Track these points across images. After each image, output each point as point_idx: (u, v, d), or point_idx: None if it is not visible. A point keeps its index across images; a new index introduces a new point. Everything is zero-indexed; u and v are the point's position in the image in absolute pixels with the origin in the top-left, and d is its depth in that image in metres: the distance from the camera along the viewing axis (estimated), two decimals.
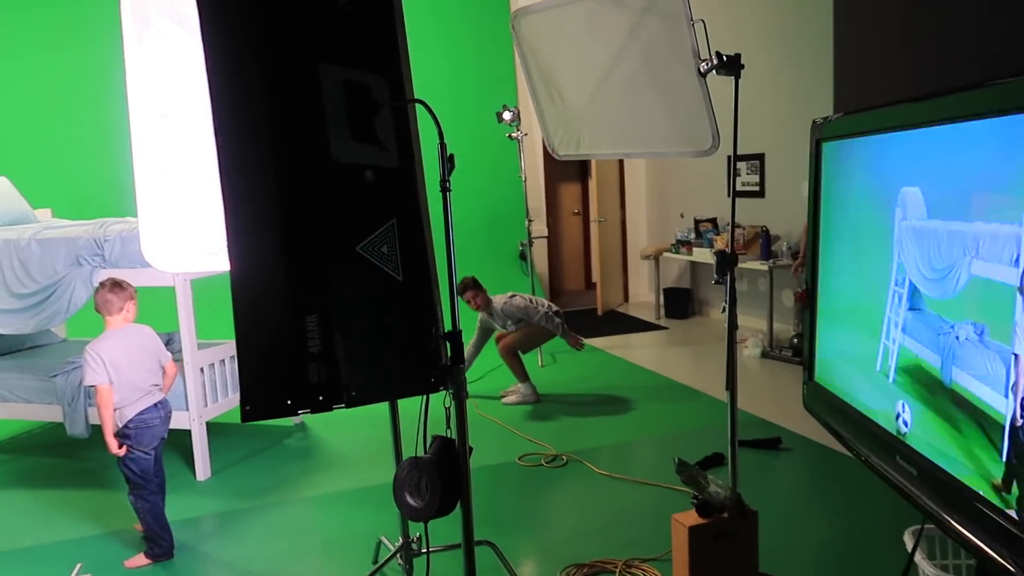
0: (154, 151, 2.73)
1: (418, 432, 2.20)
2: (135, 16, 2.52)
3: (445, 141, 2.07)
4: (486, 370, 5.94)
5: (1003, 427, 1.41)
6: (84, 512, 3.83)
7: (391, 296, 2.06)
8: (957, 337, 1.53)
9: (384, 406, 2.73)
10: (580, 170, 9.69)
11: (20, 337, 4.93)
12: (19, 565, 3.35)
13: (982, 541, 1.45)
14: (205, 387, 4.22)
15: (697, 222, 7.67)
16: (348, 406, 1.98)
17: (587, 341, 7.14)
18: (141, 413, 3.18)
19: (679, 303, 8.09)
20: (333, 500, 3.90)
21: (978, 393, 1.48)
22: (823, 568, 3.06)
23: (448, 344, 2.09)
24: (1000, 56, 2.86)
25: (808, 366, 2.34)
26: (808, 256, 2.22)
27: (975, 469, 1.51)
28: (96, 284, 4.18)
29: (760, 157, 7.03)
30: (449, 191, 2.06)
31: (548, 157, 3.57)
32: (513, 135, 6.61)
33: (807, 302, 2.31)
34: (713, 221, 7.56)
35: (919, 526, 2.21)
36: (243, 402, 1.95)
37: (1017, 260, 1.34)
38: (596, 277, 8.62)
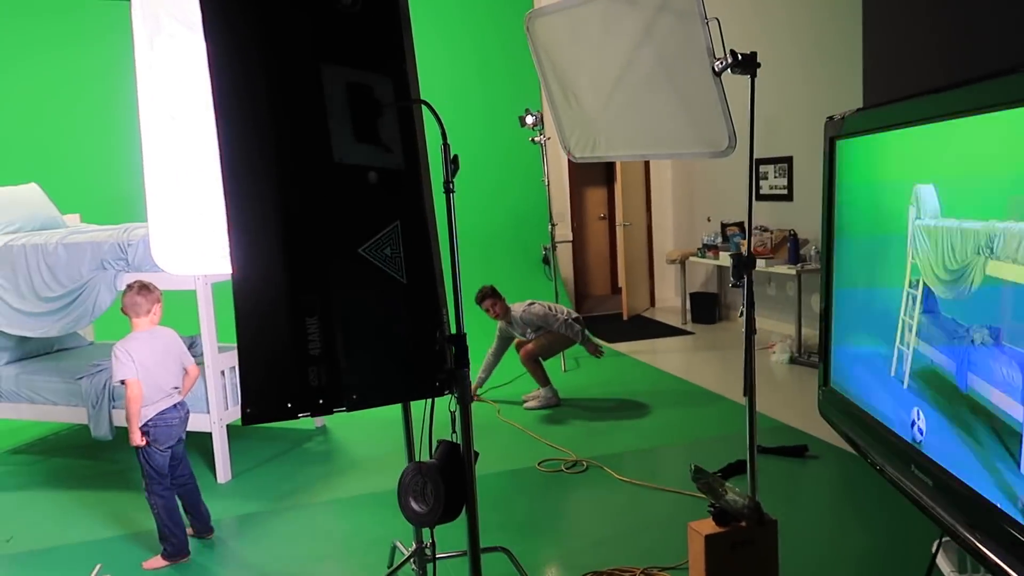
0: (164, 154, 2.75)
1: (421, 437, 2.18)
2: (145, 19, 2.55)
3: (449, 142, 2.04)
4: (511, 376, 5.91)
5: (1020, 436, 1.34)
6: (106, 513, 3.87)
7: (394, 299, 2.04)
8: (972, 341, 1.46)
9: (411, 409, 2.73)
10: (605, 174, 9.63)
11: (48, 340, 5.02)
12: (42, 565, 3.40)
13: (999, 557, 1.38)
14: (226, 390, 4.25)
15: (724, 226, 7.57)
16: (349, 409, 1.97)
17: (612, 346, 7.09)
18: (161, 413, 3.25)
19: (705, 307, 7.99)
20: (351, 503, 3.90)
21: (994, 400, 1.41)
22: None
23: (453, 348, 2.06)
24: None
25: (823, 371, 2.27)
26: (823, 258, 2.15)
27: (992, 480, 1.44)
28: (119, 288, 4.27)
29: (788, 160, 6.91)
30: (453, 192, 2.04)
31: (578, 162, 3.54)
32: (536, 139, 6.59)
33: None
34: (740, 225, 7.45)
35: (944, 538, 2.13)
36: (244, 404, 1.95)
37: None
38: (622, 281, 8.55)
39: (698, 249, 7.85)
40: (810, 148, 6.62)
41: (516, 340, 5.57)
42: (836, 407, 2.22)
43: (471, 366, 2.15)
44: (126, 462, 4.47)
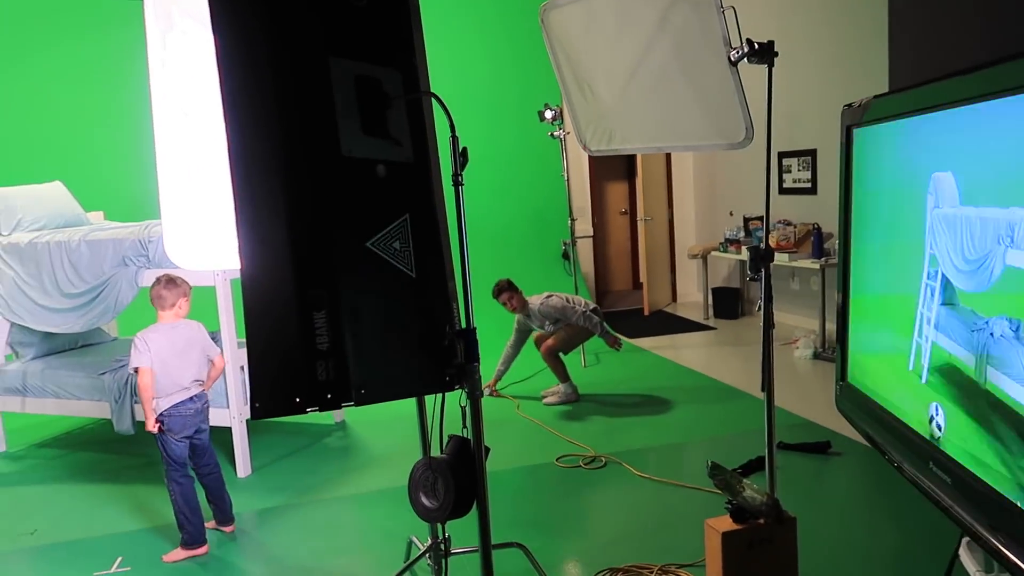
0: (177, 150, 2.77)
1: (431, 432, 2.16)
2: (158, 17, 2.56)
3: (459, 135, 2.02)
4: (530, 372, 5.89)
5: None
6: (129, 507, 3.92)
7: (403, 293, 2.02)
8: (991, 334, 1.41)
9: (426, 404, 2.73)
10: (626, 168, 9.56)
11: (72, 336, 5.09)
12: (65, 557, 3.44)
13: (1020, 558, 1.33)
14: (245, 385, 4.27)
15: (746, 220, 7.48)
16: (357, 404, 1.96)
17: (633, 342, 7.04)
18: (176, 404, 3.29)
19: (728, 303, 7.90)
20: (369, 498, 3.91)
21: (1014, 395, 1.36)
22: None
23: (463, 342, 2.05)
24: None
25: (840, 365, 2.22)
26: (840, 250, 2.10)
27: (1013, 479, 1.39)
28: (141, 284, 4.31)
29: (812, 153, 6.80)
30: (462, 185, 2.02)
31: (594, 156, 3.51)
32: (555, 134, 6.55)
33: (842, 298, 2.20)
34: (763, 219, 7.34)
35: (965, 538, 2.08)
36: (252, 399, 1.95)
37: None
38: (643, 277, 8.49)
39: (720, 243, 7.77)
40: (834, 141, 6.50)
41: (535, 335, 5.55)
42: (854, 403, 2.17)
43: (482, 361, 2.14)
44: (149, 456, 4.52)
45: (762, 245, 2.70)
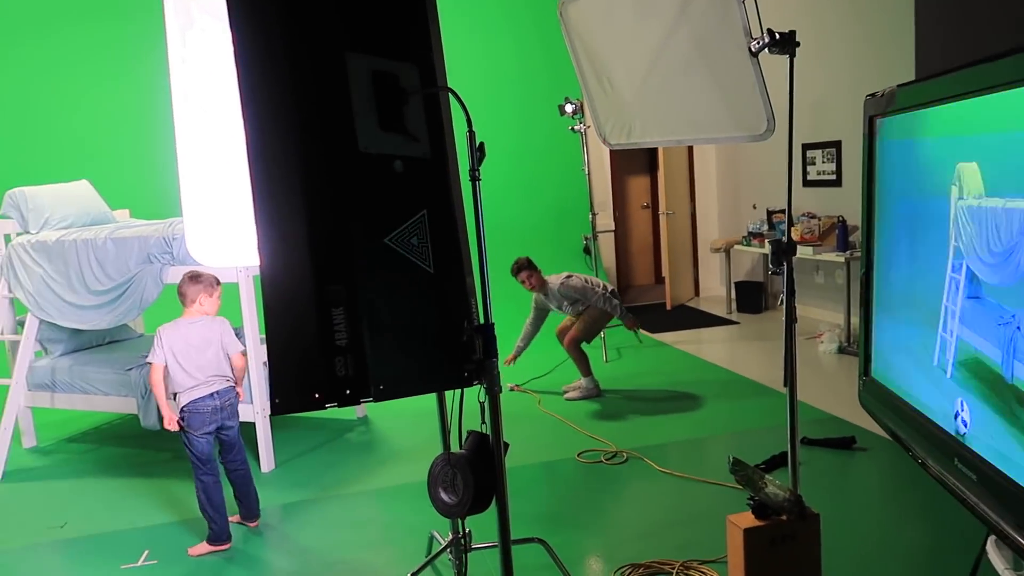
0: (197, 147, 2.79)
1: (451, 427, 2.16)
2: (177, 13, 2.58)
3: (476, 130, 2.02)
4: (551, 366, 5.88)
5: None
6: (155, 501, 3.98)
7: (421, 288, 2.03)
8: (1019, 328, 1.38)
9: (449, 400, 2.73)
10: (648, 162, 9.50)
11: (100, 332, 5.16)
12: (94, 549, 3.50)
13: None
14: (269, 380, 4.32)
15: (770, 213, 7.40)
16: (376, 400, 1.96)
17: (655, 336, 7.01)
18: (194, 400, 3.29)
19: (751, 297, 7.83)
20: (391, 493, 3.93)
21: None
22: None
23: (481, 337, 2.05)
24: None
25: (863, 360, 2.19)
26: (863, 243, 2.07)
27: None
28: (166, 281, 4.37)
29: (837, 145, 6.71)
30: (479, 180, 2.01)
31: (614, 149, 3.49)
32: (576, 128, 6.52)
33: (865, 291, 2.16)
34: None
35: (991, 536, 2.04)
36: (272, 395, 1.96)
37: None
38: (665, 271, 8.44)
39: (743, 237, 7.70)
40: (859, 132, 6.41)
41: (557, 329, 5.53)
42: (877, 398, 2.13)
43: (500, 347, 2.13)
44: (175, 451, 4.58)
45: (784, 238, 2.66)
